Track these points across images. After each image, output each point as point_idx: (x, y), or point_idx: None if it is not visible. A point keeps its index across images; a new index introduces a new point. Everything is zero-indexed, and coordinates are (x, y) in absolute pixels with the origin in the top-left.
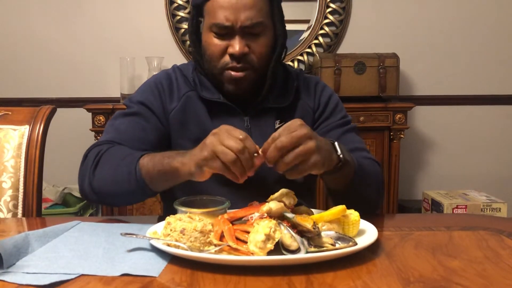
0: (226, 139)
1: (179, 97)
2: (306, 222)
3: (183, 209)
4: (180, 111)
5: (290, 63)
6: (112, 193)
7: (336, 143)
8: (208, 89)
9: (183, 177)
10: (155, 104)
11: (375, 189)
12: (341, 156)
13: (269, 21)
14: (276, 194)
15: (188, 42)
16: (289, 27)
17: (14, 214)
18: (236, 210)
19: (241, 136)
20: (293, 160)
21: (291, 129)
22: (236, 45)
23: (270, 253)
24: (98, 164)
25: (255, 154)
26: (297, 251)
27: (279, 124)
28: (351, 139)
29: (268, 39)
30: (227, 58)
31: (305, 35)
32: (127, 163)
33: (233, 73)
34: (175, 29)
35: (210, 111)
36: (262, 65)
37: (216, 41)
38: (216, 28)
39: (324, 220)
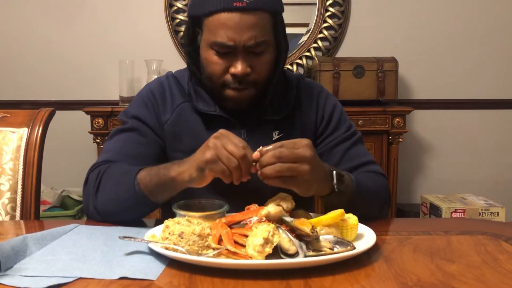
0: (229, 144)
1: (172, 108)
2: (304, 226)
3: (182, 212)
4: (173, 123)
5: (289, 67)
6: (116, 212)
7: (334, 173)
8: (205, 101)
9: (181, 185)
10: (150, 117)
11: (377, 206)
12: (335, 187)
13: (272, 37)
14: (274, 198)
15: None
16: (288, 31)
17: (12, 217)
18: (234, 213)
19: (241, 144)
20: (283, 171)
21: (296, 146)
22: (239, 66)
23: (268, 257)
24: (99, 186)
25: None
26: (295, 255)
27: (277, 135)
28: (357, 152)
29: (271, 56)
30: (228, 77)
31: (304, 38)
32: (125, 180)
33: (234, 91)
34: (175, 32)
35: (205, 123)
36: (263, 82)
37: (216, 59)
38: (218, 47)
39: (323, 224)
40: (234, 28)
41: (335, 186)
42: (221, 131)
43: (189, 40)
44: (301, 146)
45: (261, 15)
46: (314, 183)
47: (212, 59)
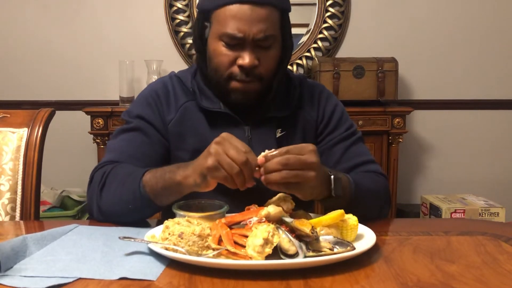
0: (230, 149)
1: (176, 107)
2: (304, 226)
3: (182, 212)
4: (177, 123)
5: (289, 67)
6: (120, 213)
7: (332, 178)
8: (209, 98)
9: (187, 190)
10: (154, 117)
11: (377, 207)
12: (333, 192)
13: (279, 34)
14: (274, 199)
15: (187, 46)
16: None
17: (12, 217)
18: (234, 214)
19: (244, 149)
20: (289, 178)
21: (302, 152)
22: (247, 57)
23: (268, 257)
24: (104, 186)
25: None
26: (295, 255)
27: (280, 133)
28: (357, 151)
29: (277, 52)
30: (235, 68)
31: (304, 39)
32: (131, 182)
33: (240, 83)
34: (175, 32)
35: (209, 121)
36: (269, 77)
37: (225, 50)
38: (227, 38)
39: (322, 224)
40: (245, 20)
41: (332, 191)
42: (223, 135)
43: (198, 34)
44: (307, 152)
45: (271, 10)
46: (315, 189)
47: (220, 50)
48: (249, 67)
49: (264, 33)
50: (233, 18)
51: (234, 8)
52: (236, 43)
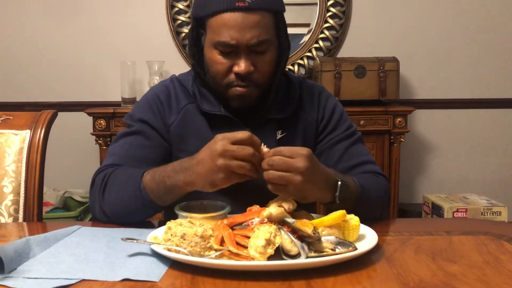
0: (236, 152)
1: (178, 110)
2: (306, 227)
3: (184, 214)
4: (179, 124)
5: (290, 67)
6: (123, 214)
7: (339, 184)
8: (209, 102)
9: (190, 191)
10: (155, 120)
11: (379, 209)
12: (336, 199)
13: (274, 36)
14: (276, 199)
15: None
16: (289, 31)
17: (15, 219)
18: (236, 215)
19: (244, 137)
20: (274, 179)
21: (293, 155)
22: (242, 64)
23: (270, 258)
24: (105, 189)
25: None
26: (297, 256)
27: (281, 134)
28: (357, 151)
29: (273, 55)
30: (232, 76)
31: (305, 39)
32: (131, 184)
33: (238, 89)
34: (176, 33)
35: (210, 124)
36: (266, 81)
37: (220, 58)
38: (221, 46)
39: (324, 225)
40: (237, 28)
41: (336, 198)
42: (220, 143)
43: (193, 42)
44: (298, 155)
45: (263, 15)
46: (309, 193)
47: (216, 59)
48: (245, 74)
49: (257, 39)
50: (225, 26)
51: (225, 16)
52: (230, 51)
